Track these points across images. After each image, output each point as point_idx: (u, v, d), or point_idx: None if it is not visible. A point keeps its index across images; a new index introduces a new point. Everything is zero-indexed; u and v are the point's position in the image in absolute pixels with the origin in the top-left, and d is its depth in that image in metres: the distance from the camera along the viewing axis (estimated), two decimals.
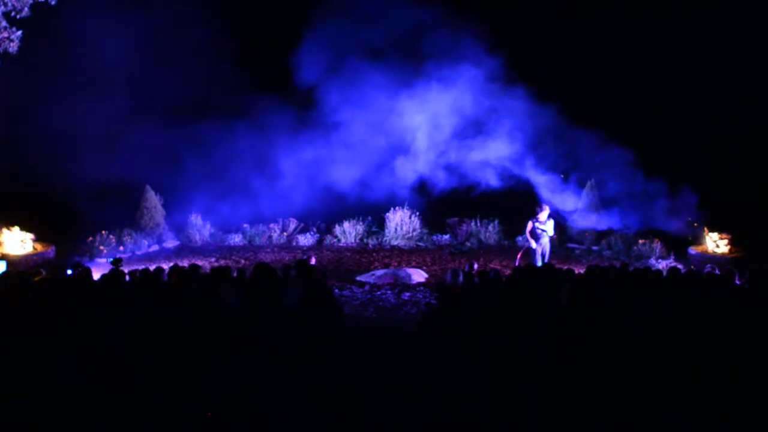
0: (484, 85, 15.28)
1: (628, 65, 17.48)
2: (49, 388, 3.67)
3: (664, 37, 17.07)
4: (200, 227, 15.55)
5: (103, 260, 12.27)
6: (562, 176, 14.96)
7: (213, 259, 13.61)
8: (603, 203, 14.71)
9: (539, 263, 10.49)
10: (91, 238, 13.58)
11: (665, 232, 13.44)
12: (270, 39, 17.66)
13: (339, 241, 15.62)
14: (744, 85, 16.57)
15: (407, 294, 10.27)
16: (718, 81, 16.59)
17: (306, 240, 15.53)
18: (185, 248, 15.05)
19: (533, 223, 10.79)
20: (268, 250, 14.91)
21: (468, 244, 15.16)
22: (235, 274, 7.05)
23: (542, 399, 4.02)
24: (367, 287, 10.76)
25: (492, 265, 12.67)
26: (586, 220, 14.59)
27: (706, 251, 12.42)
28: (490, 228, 15.54)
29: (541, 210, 10.80)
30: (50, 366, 3.76)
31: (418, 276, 11.66)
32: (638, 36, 17.20)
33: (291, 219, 16.21)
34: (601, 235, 14.38)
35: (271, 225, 15.98)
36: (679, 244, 13.05)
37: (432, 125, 15.95)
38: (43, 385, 3.64)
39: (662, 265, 11.83)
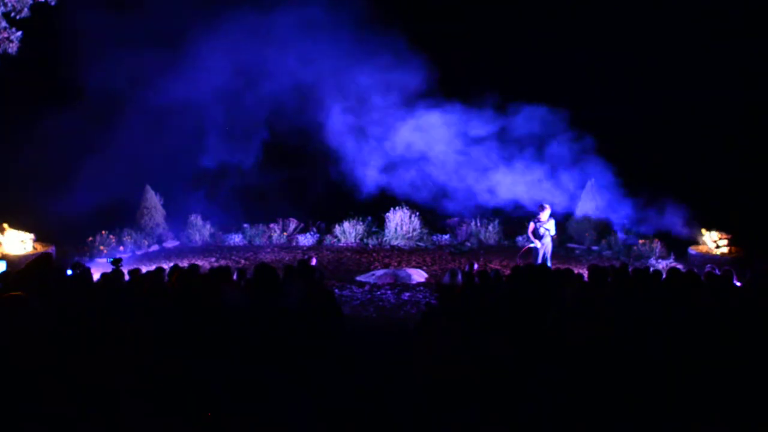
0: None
1: (615, 63, 17.51)
2: (49, 389, 3.66)
3: (653, 34, 17.12)
4: (200, 227, 15.55)
5: (103, 260, 12.27)
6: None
7: (213, 259, 13.61)
8: (603, 203, 14.73)
9: (539, 262, 10.51)
10: (91, 238, 13.58)
11: (665, 233, 13.49)
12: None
13: (339, 241, 15.61)
14: (741, 82, 16.58)
15: (407, 294, 10.27)
16: (713, 78, 16.60)
17: (306, 240, 15.53)
18: (185, 248, 15.06)
19: (535, 223, 10.82)
20: (268, 250, 14.91)
21: (468, 244, 15.16)
22: (235, 275, 7.06)
23: (544, 399, 4.01)
24: (367, 287, 10.76)
25: (492, 265, 12.68)
26: (585, 219, 14.62)
27: (706, 251, 12.42)
28: (490, 228, 15.54)
29: (542, 210, 10.82)
30: (50, 366, 3.76)
31: (418, 276, 11.67)
32: (625, 32, 17.24)
33: (291, 219, 16.23)
34: (601, 235, 14.39)
35: (271, 225, 15.99)
36: (679, 244, 13.05)
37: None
38: (43, 386, 3.64)
39: (662, 265, 11.83)
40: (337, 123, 16.06)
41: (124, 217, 15.15)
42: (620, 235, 14.12)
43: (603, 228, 14.55)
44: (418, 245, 15.19)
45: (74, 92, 15.19)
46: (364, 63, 15.37)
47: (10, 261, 10.80)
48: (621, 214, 14.36)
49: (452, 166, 15.46)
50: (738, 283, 7.00)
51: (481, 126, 15.39)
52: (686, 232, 13.19)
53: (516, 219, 15.22)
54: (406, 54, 15.24)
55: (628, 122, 17.40)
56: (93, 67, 14.79)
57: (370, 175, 15.79)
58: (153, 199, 15.49)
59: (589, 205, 14.68)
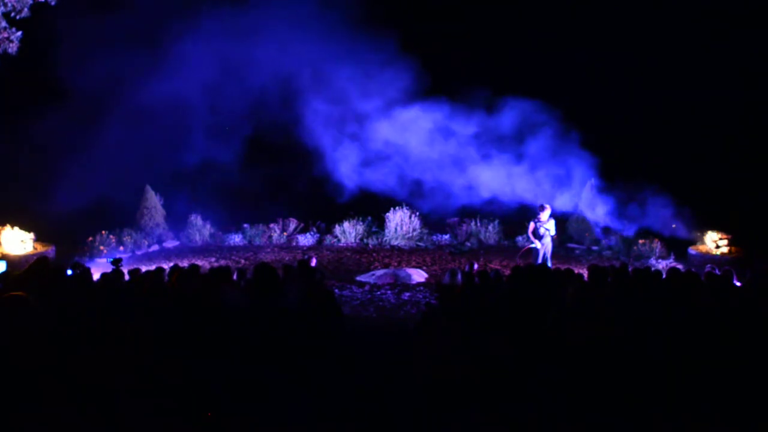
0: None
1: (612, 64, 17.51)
2: (49, 389, 3.67)
3: (653, 34, 17.13)
4: (200, 227, 15.56)
5: (103, 260, 12.26)
6: None
7: (213, 259, 13.61)
8: (603, 203, 14.72)
9: (539, 262, 10.51)
10: (91, 238, 13.58)
11: (645, 230, 13.56)
12: None
13: (339, 241, 15.62)
14: (741, 82, 16.58)
15: (407, 294, 10.27)
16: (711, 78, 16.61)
17: (306, 240, 15.54)
18: (185, 248, 15.06)
19: (535, 223, 10.83)
20: (268, 250, 14.91)
21: (468, 244, 15.16)
22: (235, 275, 7.06)
23: (544, 399, 4.01)
24: (367, 287, 10.76)
25: (492, 265, 12.68)
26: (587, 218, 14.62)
27: (706, 251, 12.42)
28: (490, 228, 15.54)
29: (543, 210, 10.83)
30: (50, 366, 3.76)
31: (418, 276, 11.67)
32: (625, 32, 17.25)
33: (291, 219, 16.23)
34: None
35: (271, 225, 15.99)
36: (679, 244, 13.06)
37: None
38: (43, 386, 3.64)
39: (662, 265, 11.83)
40: (324, 121, 16.06)
41: (124, 217, 15.14)
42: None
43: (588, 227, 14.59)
44: (418, 245, 15.19)
45: (67, 92, 15.09)
46: (359, 59, 15.33)
47: (10, 261, 10.79)
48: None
49: (445, 164, 15.44)
50: (738, 283, 7.00)
51: (479, 124, 15.40)
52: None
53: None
54: (405, 53, 15.26)
55: (626, 122, 17.42)
56: (85, 67, 14.68)
57: (358, 174, 15.79)
58: (153, 199, 15.50)
59: (588, 205, 14.67)
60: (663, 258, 12.58)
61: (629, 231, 13.91)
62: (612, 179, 14.68)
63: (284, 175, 18.55)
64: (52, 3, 9.59)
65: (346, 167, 15.94)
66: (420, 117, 15.46)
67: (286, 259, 13.64)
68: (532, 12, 18.20)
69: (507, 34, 17.84)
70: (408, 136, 15.55)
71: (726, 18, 16.24)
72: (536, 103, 15.00)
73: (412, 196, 15.81)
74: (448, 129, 15.52)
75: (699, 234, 12.78)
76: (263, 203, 17.38)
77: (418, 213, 15.58)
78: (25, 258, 11.92)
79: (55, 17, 12.58)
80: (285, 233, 15.89)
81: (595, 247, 14.21)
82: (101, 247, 13.38)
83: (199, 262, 12.72)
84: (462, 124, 15.45)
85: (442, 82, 15.91)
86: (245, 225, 15.93)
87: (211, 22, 15.46)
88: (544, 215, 10.79)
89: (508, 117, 15.19)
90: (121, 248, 13.72)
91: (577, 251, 14.19)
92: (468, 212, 15.77)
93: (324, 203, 17.07)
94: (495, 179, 14.75)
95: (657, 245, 12.94)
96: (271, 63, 15.56)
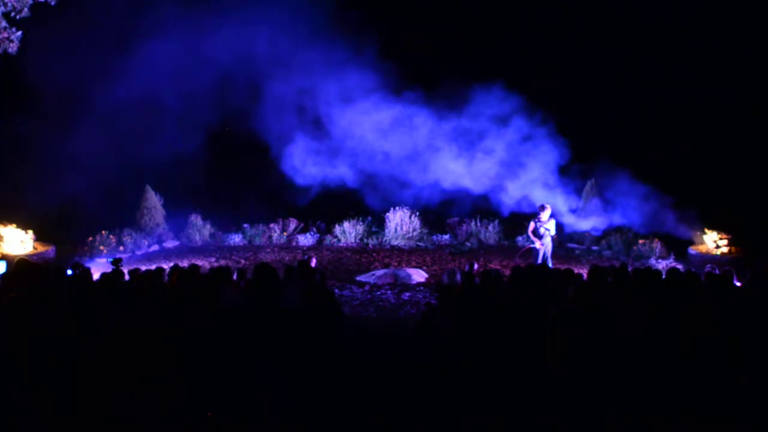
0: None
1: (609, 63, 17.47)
2: (49, 389, 3.67)
3: (648, 33, 17.12)
4: (200, 227, 15.55)
5: (103, 260, 12.26)
6: None
7: (213, 259, 13.61)
8: (603, 204, 14.69)
9: (539, 262, 10.51)
10: (91, 238, 13.58)
11: (665, 233, 13.50)
12: None
13: (339, 241, 15.61)
14: (739, 79, 16.57)
15: (407, 294, 10.28)
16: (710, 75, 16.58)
17: (306, 240, 15.53)
18: (185, 248, 15.05)
19: (535, 223, 10.83)
20: (268, 250, 14.91)
21: (468, 244, 15.16)
22: (235, 275, 7.06)
23: (544, 399, 4.02)
24: (367, 287, 10.77)
25: (492, 265, 12.68)
26: (586, 221, 14.57)
27: (706, 251, 12.42)
28: (490, 228, 15.54)
29: (543, 210, 10.82)
30: (50, 366, 3.76)
31: (418, 276, 11.67)
32: (620, 32, 17.23)
33: (291, 219, 16.23)
34: (601, 235, 14.37)
35: (271, 225, 15.99)
36: (679, 244, 13.06)
37: None
38: (42, 386, 3.64)
39: (662, 265, 11.84)
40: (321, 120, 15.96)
41: (124, 217, 15.13)
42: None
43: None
44: (418, 245, 15.19)
45: (39, 92, 14.86)
46: (359, 59, 15.22)
47: (10, 261, 10.78)
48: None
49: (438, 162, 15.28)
50: (738, 283, 7.00)
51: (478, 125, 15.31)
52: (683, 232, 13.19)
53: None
54: (398, 50, 15.16)
55: (620, 121, 17.42)
56: (54, 66, 14.34)
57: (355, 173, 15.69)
58: (153, 199, 15.49)
59: (590, 206, 14.64)
60: (663, 258, 12.58)
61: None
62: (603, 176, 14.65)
63: (283, 175, 18.49)
64: (52, 3, 9.59)
65: (345, 166, 15.86)
66: (419, 115, 15.34)
67: (286, 259, 13.65)
68: (526, 10, 18.17)
69: (503, 32, 17.83)
70: (402, 132, 15.38)
71: (720, 18, 16.25)
72: (529, 102, 14.93)
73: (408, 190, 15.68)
74: (446, 127, 15.40)
75: (698, 233, 12.78)
76: (262, 203, 17.35)
77: (418, 213, 15.56)
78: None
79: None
80: (285, 233, 15.88)
81: (595, 247, 14.21)
82: (101, 247, 13.38)
83: (199, 262, 12.73)
84: (457, 120, 15.29)
85: (441, 79, 15.79)
86: (245, 225, 15.93)
87: (193, 20, 15.26)
88: (545, 215, 10.79)
89: (509, 116, 15.10)
90: (121, 248, 13.72)
91: (577, 251, 14.20)
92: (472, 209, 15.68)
93: (325, 203, 17.04)
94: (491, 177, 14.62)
95: (657, 245, 12.94)
96: (246, 55, 15.24)
